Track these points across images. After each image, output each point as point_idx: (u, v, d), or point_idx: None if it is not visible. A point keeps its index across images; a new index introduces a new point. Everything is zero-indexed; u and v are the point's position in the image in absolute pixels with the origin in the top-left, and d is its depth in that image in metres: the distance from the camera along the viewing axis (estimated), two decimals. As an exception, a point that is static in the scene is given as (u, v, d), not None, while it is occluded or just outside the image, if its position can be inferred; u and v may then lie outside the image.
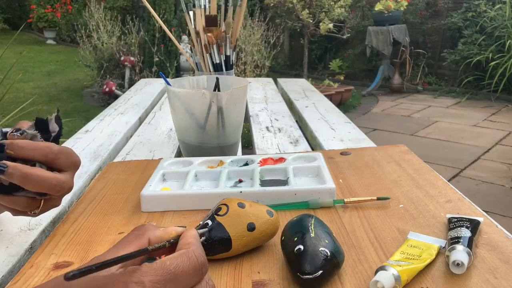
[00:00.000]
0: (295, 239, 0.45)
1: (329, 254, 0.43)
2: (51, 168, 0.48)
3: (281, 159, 0.73)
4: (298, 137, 1.08)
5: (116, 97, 4.17)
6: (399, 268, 0.42)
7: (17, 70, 5.92)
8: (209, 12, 0.91)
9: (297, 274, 0.42)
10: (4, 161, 0.44)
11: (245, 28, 4.82)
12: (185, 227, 0.37)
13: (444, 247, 0.48)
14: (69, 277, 0.26)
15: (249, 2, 6.05)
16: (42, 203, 0.49)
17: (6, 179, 0.45)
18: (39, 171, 0.46)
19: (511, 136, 3.75)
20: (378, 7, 5.36)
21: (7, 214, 0.65)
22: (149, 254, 0.32)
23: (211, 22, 0.90)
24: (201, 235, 0.39)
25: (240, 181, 0.68)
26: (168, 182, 0.69)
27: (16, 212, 0.50)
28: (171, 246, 0.33)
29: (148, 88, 1.76)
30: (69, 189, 0.50)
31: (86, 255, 0.51)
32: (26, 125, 0.48)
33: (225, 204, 0.49)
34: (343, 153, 0.82)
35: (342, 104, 4.74)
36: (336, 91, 4.76)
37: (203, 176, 0.69)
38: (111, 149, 0.99)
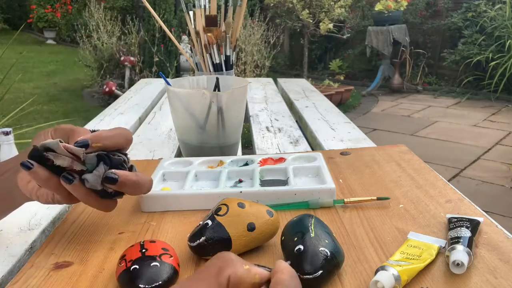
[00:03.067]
0: (295, 239, 0.45)
1: (329, 254, 0.43)
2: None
3: (281, 159, 0.73)
4: (298, 137, 1.08)
5: (116, 97, 4.17)
6: (399, 268, 0.42)
7: (17, 70, 5.92)
8: (209, 12, 0.91)
9: (297, 274, 0.42)
10: (114, 171, 0.44)
11: (245, 28, 4.82)
12: (270, 269, 0.33)
13: (444, 247, 0.48)
14: None
15: (249, 2, 6.05)
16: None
17: (116, 188, 0.45)
18: (140, 176, 0.47)
19: (511, 136, 3.75)
20: (378, 7, 5.36)
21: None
22: None
23: (211, 22, 0.90)
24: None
25: (240, 181, 0.68)
26: (168, 182, 0.69)
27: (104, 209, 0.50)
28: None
29: (148, 88, 1.76)
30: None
31: (86, 255, 0.51)
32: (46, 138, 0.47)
33: (225, 204, 0.49)
34: (343, 153, 0.82)
35: (342, 104, 4.74)
36: (336, 91, 4.76)
37: (203, 176, 0.69)
38: (111, 149, 0.99)
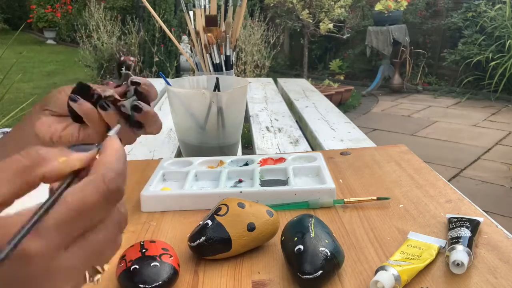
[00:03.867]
0: (295, 239, 0.45)
1: (329, 254, 0.43)
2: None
3: (281, 159, 0.73)
4: (298, 137, 1.08)
5: (116, 97, 4.16)
6: (399, 268, 0.42)
7: (17, 70, 5.92)
8: (209, 12, 0.91)
9: (297, 274, 0.42)
10: (140, 102, 0.53)
11: (245, 28, 4.82)
12: (94, 145, 0.30)
13: (444, 247, 0.48)
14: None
15: (249, 2, 6.05)
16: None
17: (140, 118, 0.53)
18: (156, 113, 0.54)
19: (511, 136, 3.75)
20: (378, 7, 5.36)
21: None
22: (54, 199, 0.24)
23: (211, 22, 0.90)
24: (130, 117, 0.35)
25: (240, 181, 0.68)
26: (168, 182, 0.69)
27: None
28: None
29: (148, 88, 1.75)
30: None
31: (86, 255, 0.51)
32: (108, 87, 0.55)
33: (225, 204, 0.49)
34: (343, 153, 0.82)
35: (342, 104, 4.74)
36: (336, 91, 4.75)
37: (203, 176, 0.69)
38: (111, 149, 0.99)
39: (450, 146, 3.53)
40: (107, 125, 0.53)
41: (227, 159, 0.73)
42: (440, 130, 3.95)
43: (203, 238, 0.47)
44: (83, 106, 0.50)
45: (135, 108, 0.52)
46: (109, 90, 0.52)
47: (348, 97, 4.93)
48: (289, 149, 0.98)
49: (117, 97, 0.52)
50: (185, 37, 4.73)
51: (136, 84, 0.54)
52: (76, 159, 0.27)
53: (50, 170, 0.26)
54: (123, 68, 0.57)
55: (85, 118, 0.51)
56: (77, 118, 0.52)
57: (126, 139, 0.55)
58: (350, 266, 0.47)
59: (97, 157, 0.28)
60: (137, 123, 0.54)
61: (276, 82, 1.90)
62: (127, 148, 1.00)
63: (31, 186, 0.26)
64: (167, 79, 0.81)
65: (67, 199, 0.24)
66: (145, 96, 0.55)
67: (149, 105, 0.55)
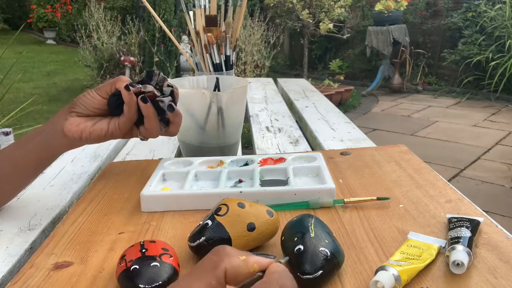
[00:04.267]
0: (295, 239, 0.45)
1: (329, 254, 0.43)
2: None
3: (281, 159, 0.73)
4: (298, 137, 1.08)
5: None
6: (399, 268, 0.42)
7: (17, 70, 5.91)
8: (209, 12, 0.91)
9: (297, 274, 0.42)
10: (173, 103, 0.62)
11: (245, 28, 4.82)
12: (274, 257, 0.33)
13: (444, 247, 0.48)
14: None
15: (249, 2, 6.05)
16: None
17: (171, 116, 0.63)
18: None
19: (511, 136, 3.75)
20: (378, 7, 5.36)
21: (7, 214, 0.65)
22: None
23: (211, 22, 0.90)
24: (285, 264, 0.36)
25: (240, 181, 0.68)
26: (168, 182, 0.69)
27: (148, 134, 0.64)
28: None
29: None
30: None
31: (86, 255, 0.51)
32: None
33: (225, 204, 0.49)
34: (343, 153, 0.82)
35: (342, 104, 4.74)
36: (336, 91, 4.75)
37: (203, 176, 0.69)
38: (111, 149, 0.99)
39: (450, 146, 3.53)
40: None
41: (227, 159, 0.73)
42: (440, 130, 3.95)
43: (203, 238, 0.47)
44: (132, 96, 0.60)
45: (170, 107, 0.62)
46: (149, 87, 0.61)
47: (348, 97, 4.93)
48: (289, 149, 0.98)
49: (157, 93, 0.61)
50: (185, 37, 4.73)
51: (172, 86, 0.63)
52: (255, 261, 0.31)
53: (232, 265, 0.30)
54: (158, 73, 0.64)
55: (126, 105, 0.60)
56: (115, 110, 0.62)
57: (152, 132, 0.63)
58: (350, 266, 0.47)
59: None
60: (167, 120, 0.63)
61: (276, 82, 1.90)
62: (127, 148, 1.00)
63: (219, 280, 0.30)
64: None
65: None
66: (174, 99, 0.63)
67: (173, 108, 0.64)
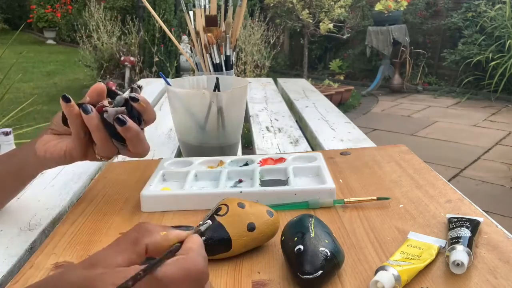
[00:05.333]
0: (295, 239, 0.45)
1: (329, 254, 0.43)
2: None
3: (281, 159, 0.73)
4: (298, 137, 1.08)
5: (116, 97, 4.16)
6: (399, 268, 0.42)
7: (17, 70, 5.92)
8: (209, 12, 0.91)
9: (297, 274, 0.42)
10: (126, 117, 0.52)
11: (245, 28, 4.82)
12: (191, 227, 0.34)
13: (444, 247, 0.48)
14: None
15: (249, 2, 6.05)
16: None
17: (121, 131, 0.52)
18: (144, 136, 0.55)
19: (511, 136, 3.75)
20: (378, 7, 5.36)
21: (7, 214, 0.65)
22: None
23: (211, 22, 0.90)
24: (203, 233, 0.37)
25: (240, 181, 0.68)
26: (168, 182, 0.69)
27: (101, 156, 0.57)
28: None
29: (148, 88, 1.75)
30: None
31: (86, 255, 0.51)
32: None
33: (225, 204, 0.49)
34: (343, 153, 0.82)
35: (342, 104, 4.74)
36: (336, 91, 4.75)
37: (203, 176, 0.69)
38: (111, 149, 0.99)
39: (450, 146, 3.53)
40: (92, 140, 0.54)
41: (227, 159, 0.73)
42: (440, 130, 3.95)
43: (203, 238, 0.47)
44: (71, 108, 0.53)
45: (118, 120, 0.51)
46: (105, 101, 0.53)
47: (348, 97, 4.93)
48: (289, 149, 0.98)
49: (106, 104, 0.53)
50: (185, 37, 4.73)
51: (134, 100, 0.53)
52: (175, 235, 0.33)
53: (152, 241, 0.31)
54: (135, 85, 0.57)
55: (68, 118, 0.53)
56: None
57: (105, 151, 0.55)
58: (350, 266, 0.47)
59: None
60: (119, 136, 0.53)
61: (276, 82, 1.90)
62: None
63: (139, 255, 0.31)
64: (167, 79, 0.81)
65: (158, 274, 0.28)
66: (139, 115, 0.54)
67: (140, 124, 0.55)
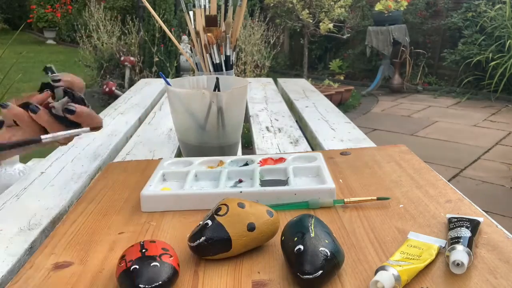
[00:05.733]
0: (295, 239, 0.45)
1: (329, 254, 0.43)
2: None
3: (281, 159, 0.73)
4: (298, 137, 1.08)
5: (116, 97, 4.17)
6: (399, 268, 0.42)
7: (17, 70, 5.90)
8: (209, 12, 0.91)
9: (297, 274, 0.42)
10: (72, 104, 0.55)
11: (245, 28, 4.82)
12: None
13: (444, 247, 0.48)
14: None
15: (249, 2, 6.05)
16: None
17: (74, 118, 0.54)
18: (93, 111, 0.56)
19: (511, 136, 3.75)
20: (378, 7, 5.36)
21: (7, 214, 0.65)
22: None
23: (211, 22, 0.90)
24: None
25: (240, 181, 0.68)
26: (168, 182, 0.69)
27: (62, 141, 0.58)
28: None
29: (148, 88, 1.75)
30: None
31: (86, 255, 0.51)
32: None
33: (225, 204, 0.49)
34: (343, 153, 0.82)
35: (342, 104, 4.74)
36: (336, 91, 4.75)
37: (203, 176, 0.69)
38: (111, 149, 0.99)
39: (450, 146, 3.53)
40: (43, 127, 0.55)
41: (227, 159, 0.73)
42: (440, 130, 3.95)
43: (203, 238, 0.47)
44: (13, 110, 0.54)
45: (68, 111, 0.54)
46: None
47: (348, 97, 4.93)
48: (289, 149, 0.98)
49: (50, 100, 0.55)
50: (185, 37, 4.73)
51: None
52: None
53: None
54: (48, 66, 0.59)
55: (17, 121, 0.55)
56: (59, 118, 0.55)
57: (65, 139, 0.57)
58: (350, 266, 0.47)
59: None
60: (73, 122, 0.56)
61: (276, 82, 1.90)
62: (127, 148, 1.00)
63: None
64: (167, 79, 0.81)
65: None
66: (77, 98, 0.56)
67: (84, 101, 0.57)
